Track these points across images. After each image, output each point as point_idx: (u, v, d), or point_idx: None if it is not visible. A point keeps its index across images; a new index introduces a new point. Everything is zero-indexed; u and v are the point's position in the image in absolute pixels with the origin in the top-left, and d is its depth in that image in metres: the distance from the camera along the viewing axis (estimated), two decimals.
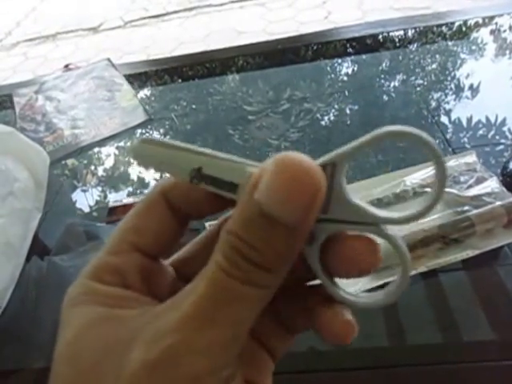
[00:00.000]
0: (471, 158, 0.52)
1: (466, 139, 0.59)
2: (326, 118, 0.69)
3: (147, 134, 0.75)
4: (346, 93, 0.73)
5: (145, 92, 0.84)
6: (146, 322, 0.14)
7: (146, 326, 0.14)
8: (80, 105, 0.78)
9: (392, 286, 0.16)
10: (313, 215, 0.13)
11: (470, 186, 0.48)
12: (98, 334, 0.15)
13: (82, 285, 0.17)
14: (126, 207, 0.59)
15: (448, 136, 0.59)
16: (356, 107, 0.70)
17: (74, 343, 0.15)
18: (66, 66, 0.94)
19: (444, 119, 0.63)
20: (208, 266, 0.14)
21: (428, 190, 0.49)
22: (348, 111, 0.70)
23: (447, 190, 0.48)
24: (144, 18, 2.96)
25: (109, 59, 0.89)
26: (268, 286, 0.14)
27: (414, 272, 0.42)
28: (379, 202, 0.49)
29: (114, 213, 0.58)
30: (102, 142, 0.72)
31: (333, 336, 0.16)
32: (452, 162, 0.52)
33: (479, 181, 0.48)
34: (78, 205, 0.65)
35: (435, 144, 0.14)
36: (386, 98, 0.71)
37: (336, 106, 0.71)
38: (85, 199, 0.65)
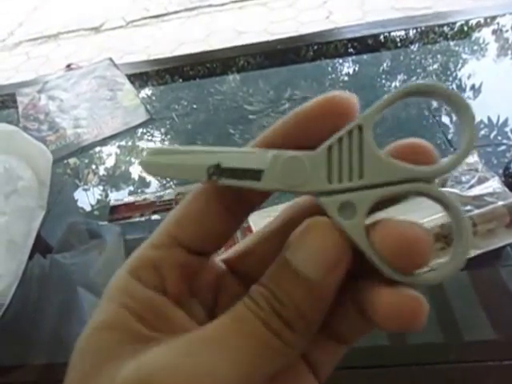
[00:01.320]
0: (473, 158, 0.53)
1: None
2: None
3: (149, 134, 0.75)
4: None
5: (146, 92, 0.84)
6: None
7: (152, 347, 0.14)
8: (82, 104, 0.78)
9: (453, 257, 0.14)
10: (334, 276, 0.14)
11: (472, 186, 0.48)
12: (113, 338, 0.14)
13: (121, 279, 0.16)
14: (127, 206, 0.59)
15: (449, 136, 0.59)
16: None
17: (93, 335, 0.15)
18: (68, 66, 0.94)
19: (445, 119, 0.63)
20: (233, 306, 0.14)
21: None
22: None
23: (449, 189, 0.48)
24: (145, 18, 2.96)
25: (111, 59, 0.89)
26: (289, 342, 0.14)
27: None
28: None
29: (116, 211, 0.59)
30: (104, 142, 0.72)
31: (398, 319, 0.14)
32: None
33: (481, 181, 0.48)
34: (80, 203, 0.65)
35: (464, 99, 0.14)
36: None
37: None
38: (87, 198, 0.65)
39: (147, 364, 0.13)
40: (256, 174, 0.15)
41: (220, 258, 0.18)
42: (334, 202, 0.14)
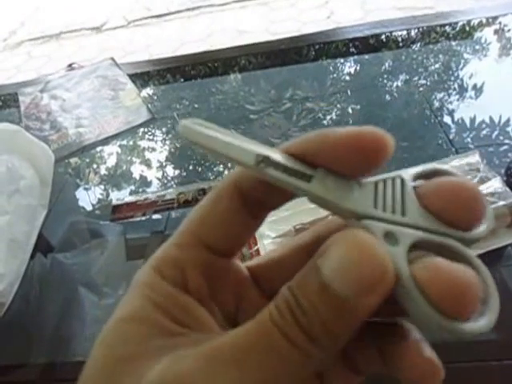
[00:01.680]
0: (474, 157, 0.52)
1: (469, 139, 0.59)
2: (328, 117, 0.69)
3: (151, 133, 0.75)
4: (349, 93, 0.74)
5: (148, 91, 0.85)
6: (179, 345, 0.14)
7: (175, 349, 0.14)
8: (84, 104, 0.79)
9: (487, 315, 0.14)
10: (369, 301, 0.12)
11: None
12: (141, 331, 0.14)
13: (145, 274, 0.16)
14: (129, 205, 0.59)
15: (451, 136, 0.59)
16: (358, 107, 0.70)
17: (119, 327, 0.15)
18: (70, 66, 0.94)
19: (447, 119, 0.63)
20: (260, 313, 0.13)
21: None
22: (350, 111, 0.70)
23: None
24: (147, 18, 2.96)
25: (112, 58, 0.89)
26: (310, 356, 0.13)
27: None
28: None
29: (118, 211, 0.59)
30: (106, 141, 0.73)
31: (415, 378, 0.14)
32: (455, 162, 0.52)
33: (482, 181, 0.48)
34: (81, 203, 0.65)
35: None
36: (388, 98, 0.71)
37: (338, 106, 0.71)
38: (88, 197, 0.65)
39: (173, 373, 0.13)
40: (305, 177, 0.15)
41: (245, 264, 0.18)
42: (378, 227, 0.14)
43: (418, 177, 0.15)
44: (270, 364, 0.12)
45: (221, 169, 0.65)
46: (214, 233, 0.16)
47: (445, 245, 0.14)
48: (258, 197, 0.16)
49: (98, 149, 0.73)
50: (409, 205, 0.14)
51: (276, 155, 0.15)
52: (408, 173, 0.15)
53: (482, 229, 0.14)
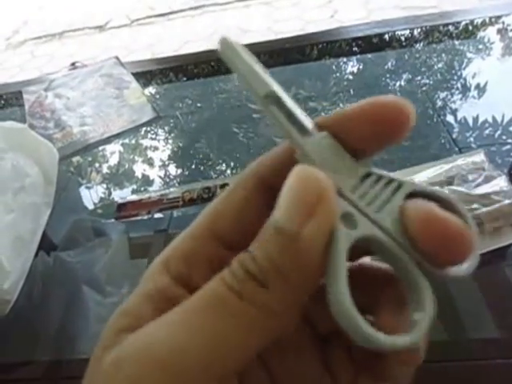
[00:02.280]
0: (479, 156, 0.53)
1: (472, 139, 0.59)
2: None
3: (155, 132, 0.75)
4: (352, 92, 0.74)
5: (152, 90, 0.85)
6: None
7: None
8: (89, 102, 0.79)
9: (418, 326, 0.14)
10: (314, 224, 0.12)
11: (479, 185, 0.48)
12: (124, 323, 0.15)
13: (153, 266, 0.16)
14: (134, 204, 0.59)
15: (454, 135, 0.60)
16: None
17: (112, 319, 0.15)
18: (73, 64, 0.94)
19: (450, 118, 0.63)
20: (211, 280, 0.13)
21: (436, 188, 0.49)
22: None
23: (456, 188, 0.48)
24: (150, 17, 2.97)
25: (117, 57, 0.89)
26: (265, 306, 0.12)
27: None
28: None
29: (123, 209, 0.59)
30: (111, 139, 0.73)
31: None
32: (460, 161, 0.53)
33: (488, 179, 0.48)
34: (85, 201, 0.65)
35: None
36: None
37: (341, 105, 0.71)
38: (92, 196, 0.66)
39: (132, 339, 0.13)
40: (304, 130, 0.14)
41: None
42: (342, 205, 0.14)
43: (415, 194, 0.15)
44: (221, 325, 0.12)
45: (223, 168, 0.65)
46: (229, 225, 0.16)
47: (396, 257, 0.14)
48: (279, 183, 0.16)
49: (103, 147, 0.73)
50: (388, 208, 0.14)
51: (288, 100, 0.15)
52: (409, 186, 0.14)
53: (460, 269, 0.14)
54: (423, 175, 0.52)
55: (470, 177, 0.49)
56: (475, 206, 0.46)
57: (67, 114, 0.77)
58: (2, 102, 0.90)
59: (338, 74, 0.80)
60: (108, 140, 0.72)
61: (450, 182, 0.50)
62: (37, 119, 0.76)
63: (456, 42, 0.80)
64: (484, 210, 0.45)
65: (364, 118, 0.14)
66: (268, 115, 0.15)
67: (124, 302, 0.15)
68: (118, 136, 0.73)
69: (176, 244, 0.16)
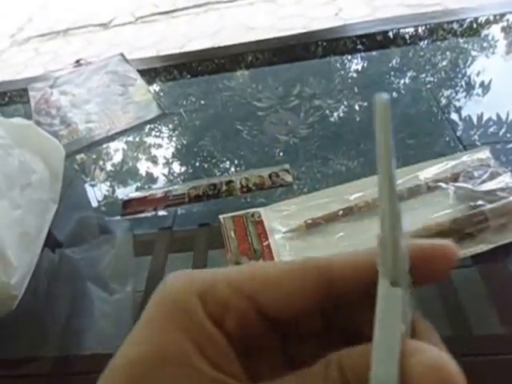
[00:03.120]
0: (485, 153, 0.53)
1: (476, 136, 0.59)
2: (335, 114, 0.69)
3: (161, 129, 0.76)
4: (356, 90, 0.74)
5: (156, 87, 0.85)
6: None
7: None
8: (94, 99, 0.79)
9: None
10: None
11: (484, 181, 0.48)
12: (173, 377, 0.13)
13: (186, 296, 0.14)
14: (140, 200, 0.60)
15: (459, 133, 0.60)
16: (366, 104, 0.70)
17: (142, 365, 0.13)
18: (77, 62, 0.94)
19: (455, 116, 0.63)
20: None
21: (441, 184, 0.50)
22: (357, 108, 0.70)
23: (461, 184, 0.49)
24: (154, 14, 2.97)
25: (122, 54, 0.90)
26: None
27: None
28: None
29: (129, 206, 0.59)
30: (116, 136, 0.73)
31: None
32: (465, 158, 0.53)
33: (493, 176, 0.48)
34: (90, 198, 0.66)
35: None
36: (396, 95, 0.71)
37: (345, 103, 0.71)
38: (98, 193, 0.66)
39: None
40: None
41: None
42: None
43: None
44: None
45: (227, 165, 0.66)
46: (273, 297, 0.15)
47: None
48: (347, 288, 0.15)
49: (109, 144, 0.73)
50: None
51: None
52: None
53: None
54: (428, 172, 0.52)
55: (476, 173, 0.49)
56: (480, 202, 0.46)
57: (73, 110, 0.77)
58: (7, 99, 0.90)
59: (342, 72, 0.80)
60: (114, 137, 0.73)
61: (455, 178, 0.50)
62: (43, 116, 0.76)
63: (460, 40, 0.80)
64: (489, 206, 0.45)
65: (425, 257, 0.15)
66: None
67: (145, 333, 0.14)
68: (123, 133, 0.73)
69: (213, 281, 0.15)
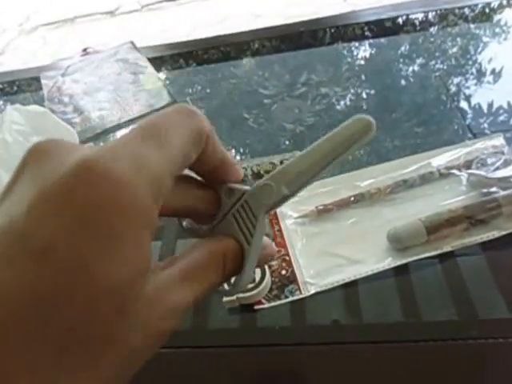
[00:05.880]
0: (499, 140, 0.53)
1: (486, 124, 0.59)
2: (342, 102, 0.69)
3: None
4: (364, 77, 0.73)
5: (167, 74, 0.85)
6: None
7: None
8: (106, 87, 0.80)
9: (236, 279, 0.20)
10: None
11: (498, 168, 0.48)
12: None
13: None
14: None
15: (468, 121, 0.59)
16: (373, 92, 0.70)
17: None
18: (85, 50, 0.95)
19: (465, 104, 0.63)
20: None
21: (454, 171, 0.50)
22: (365, 96, 0.70)
23: (474, 171, 0.49)
24: (160, 2, 2.94)
25: (132, 42, 0.90)
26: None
27: (439, 251, 0.43)
28: (404, 184, 0.50)
29: None
30: (128, 124, 0.74)
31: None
32: (479, 145, 0.53)
33: (507, 163, 0.48)
34: None
35: None
36: (404, 82, 0.71)
37: (353, 91, 0.71)
38: None
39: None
40: None
41: None
42: None
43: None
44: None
45: (233, 153, 0.66)
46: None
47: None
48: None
49: (120, 131, 0.74)
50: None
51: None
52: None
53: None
54: (442, 158, 0.52)
55: (489, 160, 0.49)
56: (494, 189, 0.46)
57: (85, 98, 0.78)
58: (15, 87, 0.91)
59: (350, 59, 0.79)
60: (125, 124, 0.74)
61: (468, 165, 0.50)
62: (55, 104, 0.77)
63: (472, 26, 0.79)
64: (502, 193, 0.45)
65: None
66: None
67: None
68: (134, 120, 0.74)
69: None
